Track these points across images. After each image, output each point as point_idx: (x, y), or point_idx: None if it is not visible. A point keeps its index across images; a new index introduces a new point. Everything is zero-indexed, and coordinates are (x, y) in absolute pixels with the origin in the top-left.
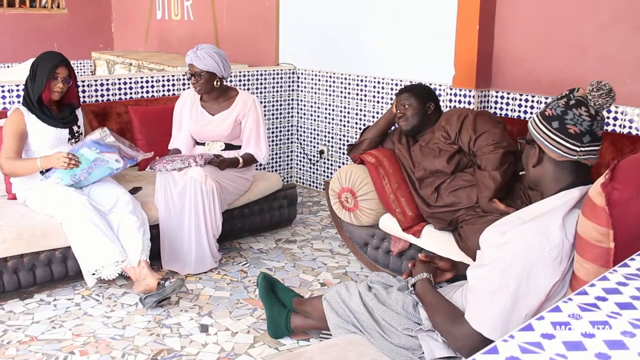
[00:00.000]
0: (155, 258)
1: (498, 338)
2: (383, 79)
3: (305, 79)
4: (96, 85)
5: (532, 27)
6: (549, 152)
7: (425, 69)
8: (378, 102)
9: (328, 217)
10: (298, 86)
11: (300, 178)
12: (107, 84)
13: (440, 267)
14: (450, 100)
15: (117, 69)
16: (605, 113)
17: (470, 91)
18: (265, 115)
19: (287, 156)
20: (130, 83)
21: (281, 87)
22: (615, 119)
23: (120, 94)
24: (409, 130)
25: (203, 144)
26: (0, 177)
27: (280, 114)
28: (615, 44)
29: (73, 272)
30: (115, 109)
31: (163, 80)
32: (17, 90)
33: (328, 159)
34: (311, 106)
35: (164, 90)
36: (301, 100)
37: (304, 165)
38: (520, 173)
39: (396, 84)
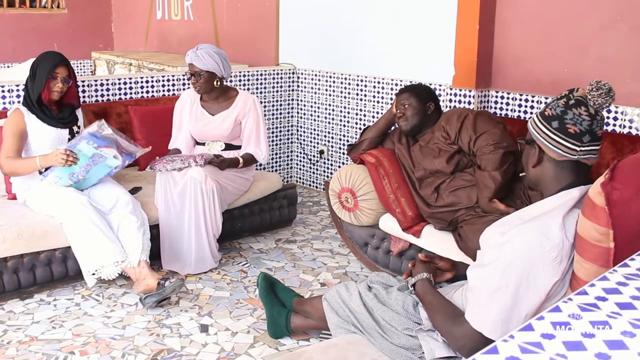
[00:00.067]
0: (155, 258)
1: (498, 338)
2: (383, 79)
3: (305, 79)
4: (96, 85)
5: (532, 27)
6: (549, 152)
7: (425, 69)
8: (378, 102)
9: (328, 217)
10: (298, 86)
11: (300, 178)
12: (107, 84)
13: (440, 267)
14: (450, 100)
15: (117, 69)
16: (605, 113)
17: (470, 91)
18: (265, 115)
19: (287, 156)
20: (130, 83)
21: (281, 87)
22: (615, 119)
23: (120, 94)
24: (409, 130)
25: (203, 144)
26: (0, 177)
27: (280, 114)
28: (615, 44)
29: (73, 272)
30: (115, 109)
31: (163, 80)
32: (17, 90)
33: (328, 159)
34: (311, 106)
35: (164, 90)
36: (301, 100)
37: (304, 165)
38: (521, 174)
39: (396, 84)
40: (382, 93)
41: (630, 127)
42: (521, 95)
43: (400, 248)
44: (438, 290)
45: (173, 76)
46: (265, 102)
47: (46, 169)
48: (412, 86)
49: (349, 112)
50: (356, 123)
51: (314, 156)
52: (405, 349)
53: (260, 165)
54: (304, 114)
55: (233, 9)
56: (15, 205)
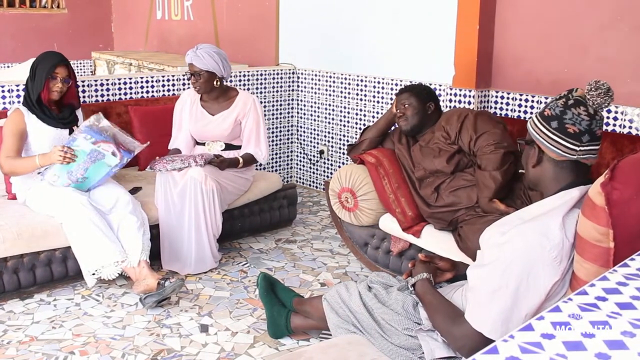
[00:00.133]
0: (155, 258)
1: (498, 338)
2: (383, 79)
3: (305, 79)
4: (96, 85)
5: (532, 27)
6: (549, 152)
7: (425, 69)
8: (378, 102)
9: (328, 217)
10: (298, 86)
11: (300, 178)
12: (107, 84)
13: (440, 267)
14: (450, 100)
15: (117, 69)
16: (605, 113)
17: (470, 91)
18: (265, 115)
19: (287, 156)
20: (130, 83)
21: (281, 87)
22: (615, 119)
23: (120, 94)
24: (409, 130)
25: (203, 144)
26: (0, 177)
27: (280, 114)
28: (615, 44)
29: (73, 272)
30: (115, 109)
31: (163, 80)
32: (17, 90)
33: (328, 159)
34: (311, 106)
35: (164, 90)
36: (301, 100)
37: (304, 165)
38: (520, 171)
39: (396, 84)
40: (382, 93)
41: (630, 127)
42: (521, 95)
43: (400, 248)
44: (438, 291)
45: (173, 76)
46: (265, 102)
47: (45, 169)
48: (412, 86)
49: (349, 112)
50: (356, 123)
51: (314, 156)
52: (405, 349)
53: (260, 165)
54: (304, 114)
55: (233, 9)
56: (15, 205)
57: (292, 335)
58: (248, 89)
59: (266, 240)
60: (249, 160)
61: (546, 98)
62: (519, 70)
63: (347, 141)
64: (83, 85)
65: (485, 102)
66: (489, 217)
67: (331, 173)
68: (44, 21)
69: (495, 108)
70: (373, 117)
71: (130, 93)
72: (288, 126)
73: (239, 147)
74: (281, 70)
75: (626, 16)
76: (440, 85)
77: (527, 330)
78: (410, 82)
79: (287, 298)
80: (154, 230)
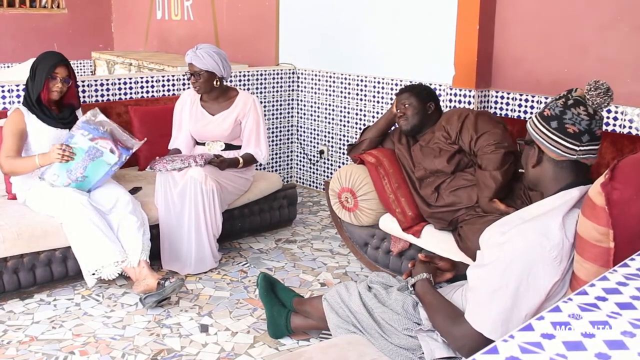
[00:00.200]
0: (155, 258)
1: (498, 338)
2: (383, 79)
3: (305, 79)
4: (96, 85)
5: (532, 27)
6: (548, 152)
7: (425, 69)
8: (378, 102)
9: (328, 217)
10: (298, 86)
11: (300, 178)
12: (107, 84)
13: (440, 267)
14: (450, 100)
15: (117, 69)
16: (605, 113)
17: (470, 91)
18: (265, 115)
19: (287, 156)
20: (130, 83)
21: (281, 87)
22: (615, 119)
23: (120, 94)
24: (409, 130)
25: (203, 144)
26: (0, 177)
27: (280, 114)
28: (615, 44)
29: (73, 272)
30: (115, 109)
31: (163, 80)
32: (17, 90)
33: (328, 159)
34: (311, 106)
35: (164, 90)
36: (301, 100)
37: (304, 165)
38: (520, 171)
39: (396, 84)
40: (382, 93)
41: (630, 127)
42: (521, 95)
43: (400, 248)
44: (438, 291)
45: (173, 76)
46: (265, 102)
47: (45, 169)
48: (412, 86)
49: (349, 112)
50: (356, 123)
51: (314, 156)
52: (405, 349)
53: (260, 165)
54: (304, 114)
55: (233, 9)
56: (15, 205)
57: (292, 335)
58: (248, 89)
59: (266, 240)
60: (249, 160)
61: (546, 98)
62: (519, 70)
63: (347, 141)
64: (83, 85)
65: (485, 102)
66: (489, 217)
67: (331, 173)
68: (44, 21)
69: (495, 108)
70: (373, 117)
71: (130, 93)
72: (288, 126)
73: (239, 147)
74: (281, 70)
75: (626, 16)
76: (440, 85)
77: (527, 330)
78: (410, 82)
79: (287, 298)
80: (154, 230)
